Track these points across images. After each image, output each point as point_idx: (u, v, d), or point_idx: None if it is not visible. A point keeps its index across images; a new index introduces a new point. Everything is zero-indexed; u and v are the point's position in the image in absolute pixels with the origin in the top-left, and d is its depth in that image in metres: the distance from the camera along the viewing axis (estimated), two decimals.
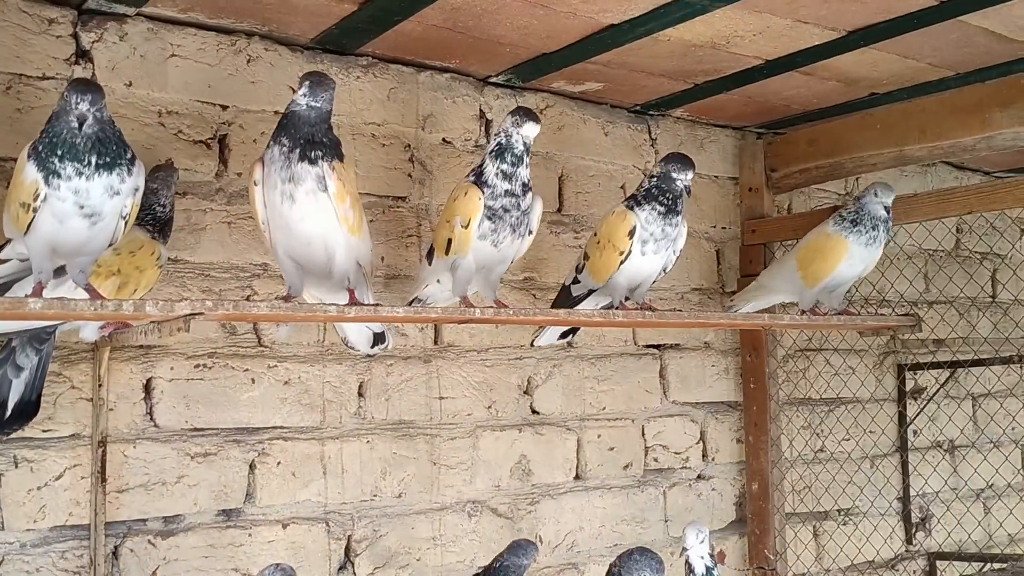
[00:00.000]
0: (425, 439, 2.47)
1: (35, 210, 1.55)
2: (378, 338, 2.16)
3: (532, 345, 2.53)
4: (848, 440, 3.26)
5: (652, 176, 2.17)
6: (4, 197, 1.68)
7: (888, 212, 2.41)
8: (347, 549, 2.32)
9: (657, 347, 2.95)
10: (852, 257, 2.39)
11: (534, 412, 2.68)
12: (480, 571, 2.16)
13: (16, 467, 1.94)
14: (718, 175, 3.08)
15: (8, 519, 1.92)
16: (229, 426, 2.19)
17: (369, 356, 2.35)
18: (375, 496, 2.37)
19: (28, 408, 1.88)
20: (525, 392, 2.67)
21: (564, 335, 2.44)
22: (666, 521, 2.88)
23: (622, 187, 2.85)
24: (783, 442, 3.04)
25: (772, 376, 3.00)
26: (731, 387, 3.08)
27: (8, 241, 1.77)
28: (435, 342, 2.53)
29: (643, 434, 2.88)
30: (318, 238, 1.76)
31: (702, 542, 2.11)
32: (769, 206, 3.02)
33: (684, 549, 2.11)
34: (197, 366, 2.16)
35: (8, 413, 1.87)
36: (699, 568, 2.10)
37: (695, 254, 3.00)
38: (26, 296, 1.56)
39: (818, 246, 2.44)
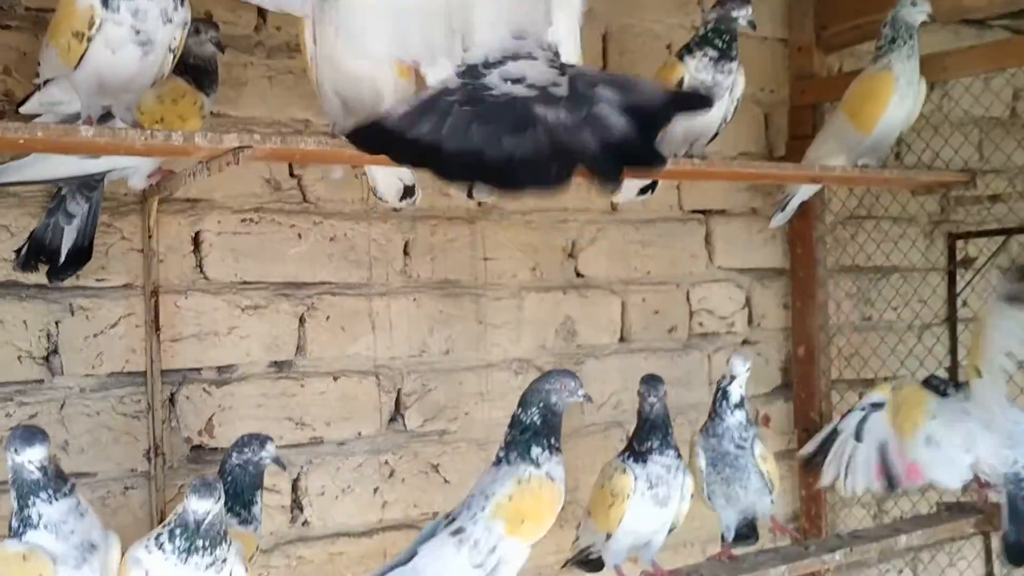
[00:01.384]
0: (471, 298, 2.48)
1: (89, 39, 1.54)
2: (408, 191, 2.11)
3: (612, 204, 2.51)
4: (895, 308, 3.22)
5: (707, 21, 2.11)
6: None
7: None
8: (397, 402, 2.36)
9: (703, 212, 2.92)
10: (900, 89, 2.32)
11: (579, 275, 2.67)
12: None
13: (72, 315, 1.98)
14: (766, 36, 2.98)
15: (67, 364, 1.97)
16: (277, 280, 2.21)
17: (395, 210, 2.31)
18: (423, 352, 2.40)
19: (81, 254, 1.91)
20: (570, 255, 2.66)
21: (643, 191, 2.38)
22: (711, 384, 2.89)
23: (668, 46, 2.78)
24: (830, 308, 3.02)
25: (820, 241, 2.95)
26: (778, 254, 3.04)
27: (32, 93, 1.77)
28: (479, 203, 2.52)
29: (688, 299, 2.87)
30: (367, 77, 1.73)
31: (747, 370, 2.10)
32: (819, 66, 2.93)
33: (732, 377, 2.10)
34: (244, 220, 2.17)
35: (62, 260, 1.90)
36: (735, 397, 2.11)
37: (743, 118, 2.91)
38: (78, 124, 1.57)
39: (864, 88, 2.37)
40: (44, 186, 1.91)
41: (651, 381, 1.99)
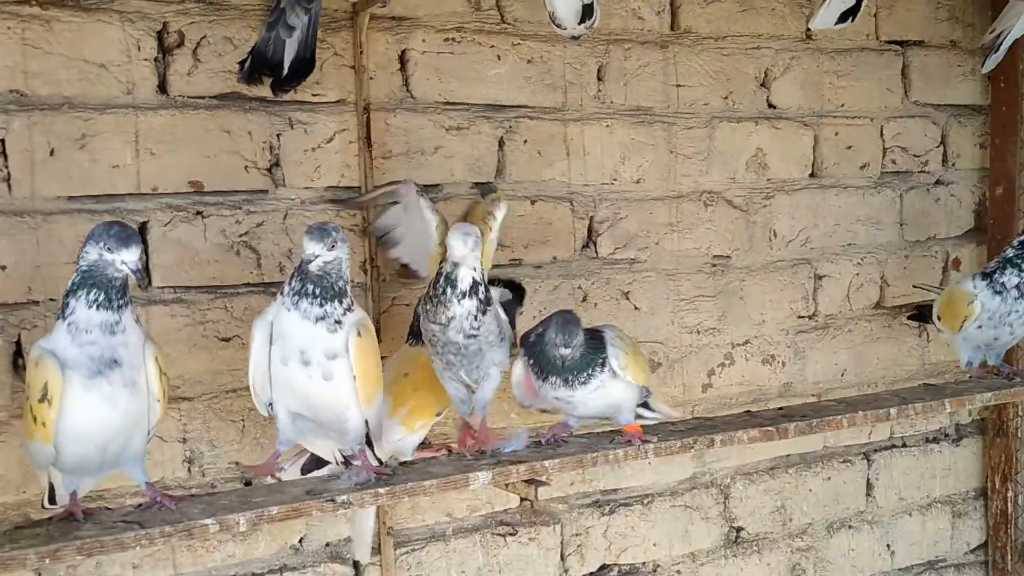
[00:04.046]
0: (663, 127, 2.44)
1: None
2: (586, 11, 2.01)
3: (808, 28, 2.41)
4: None
5: None
6: None
7: None
8: (590, 229, 2.37)
9: (900, 44, 2.77)
10: None
11: (771, 106, 2.59)
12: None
13: (292, 128, 2.04)
14: None
15: (288, 176, 2.04)
16: (479, 102, 2.22)
17: (574, 38, 2.25)
18: (615, 180, 2.39)
19: (303, 66, 1.95)
20: (762, 85, 2.57)
21: (843, 18, 2.19)
22: (901, 224, 2.79)
23: None
24: None
25: None
26: (977, 90, 2.87)
27: None
28: (672, 27, 2.45)
29: (881, 134, 2.75)
30: None
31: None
32: None
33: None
34: (447, 40, 2.18)
35: (285, 71, 1.95)
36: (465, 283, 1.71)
37: None
38: None
39: None
40: None
41: None
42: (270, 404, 1.65)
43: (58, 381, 1.37)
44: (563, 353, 1.72)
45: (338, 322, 1.56)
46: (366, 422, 1.65)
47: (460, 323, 1.69)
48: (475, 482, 1.64)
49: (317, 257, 1.53)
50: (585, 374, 1.76)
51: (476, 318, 1.69)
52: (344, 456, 1.78)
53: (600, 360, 1.77)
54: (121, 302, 1.43)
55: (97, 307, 1.40)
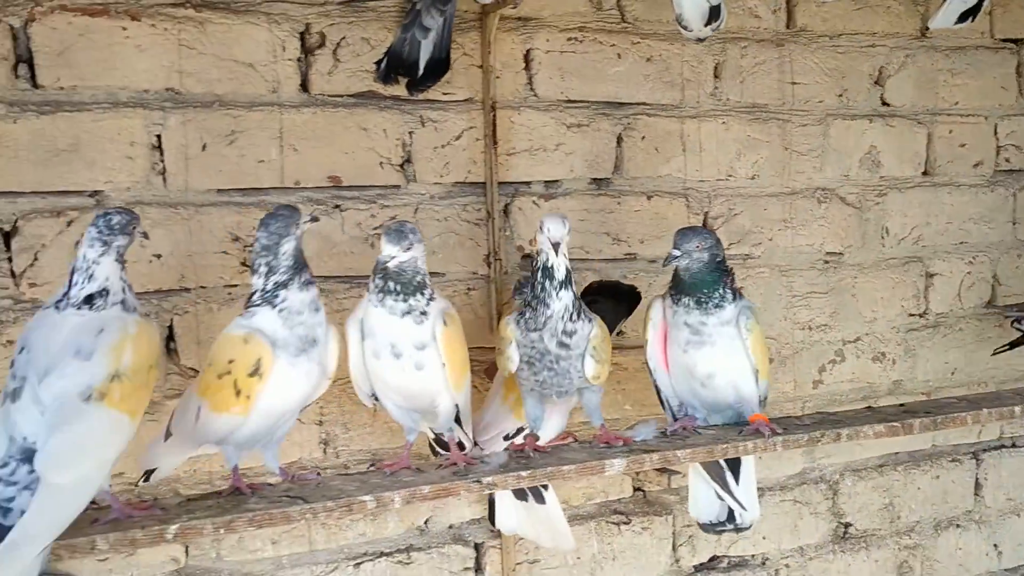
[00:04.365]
0: (778, 124, 2.46)
1: None
2: (713, 12, 2.04)
3: (924, 26, 2.42)
4: None
5: None
6: None
7: None
8: (704, 224, 2.40)
9: (1015, 42, 2.74)
10: None
11: (884, 104, 2.59)
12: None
13: (423, 126, 2.11)
14: None
15: (419, 172, 2.12)
16: (599, 99, 2.27)
17: (700, 40, 2.28)
18: (730, 176, 2.42)
19: (439, 66, 2.02)
20: (876, 82, 2.58)
21: (963, 17, 2.19)
22: (1014, 223, 2.77)
23: None
24: None
25: None
26: None
27: None
28: (787, 25, 2.47)
29: (995, 132, 2.73)
30: None
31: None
32: None
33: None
34: (569, 39, 2.23)
35: (420, 72, 2.02)
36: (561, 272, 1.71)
37: None
38: None
39: None
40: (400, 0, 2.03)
41: None
42: (374, 395, 1.71)
43: (271, 357, 1.47)
44: (674, 254, 1.76)
45: (423, 313, 1.61)
46: (456, 406, 1.71)
47: (555, 324, 1.68)
48: (611, 469, 1.69)
49: (393, 259, 1.58)
50: (717, 295, 1.78)
51: (571, 318, 1.70)
52: (436, 435, 1.83)
53: (731, 296, 1.80)
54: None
55: (302, 287, 1.52)
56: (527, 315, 1.72)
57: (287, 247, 1.52)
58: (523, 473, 1.63)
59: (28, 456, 1.26)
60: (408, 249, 1.59)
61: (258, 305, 1.51)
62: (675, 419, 1.92)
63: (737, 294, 1.83)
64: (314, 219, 1.58)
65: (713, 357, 1.80)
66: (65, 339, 1.36)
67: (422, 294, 1.62)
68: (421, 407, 1.71)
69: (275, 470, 1.63)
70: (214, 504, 1.50)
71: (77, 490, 1.28)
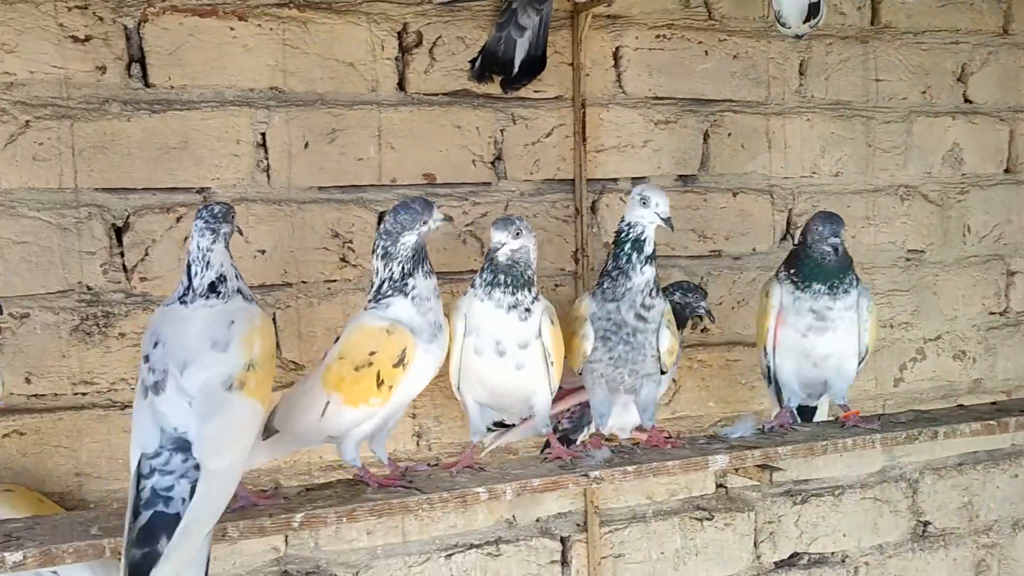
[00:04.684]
0: (861, 121, 2.46)
1: None
2: (812, 10, 2.04)
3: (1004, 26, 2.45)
4: None
5: None
6: None
7: None
8: (788, 221, 2.40)
9: None
10: None
11: (967, 101, 2.57)
12: None
13: (514, 123, 2.14)
14: None
15: (509, 169, 2.14)
16: (686, 96, 2.28)
17: (798, 37, 2.29)
18: (814, 173, 2.42)
19: (535, 64, 2.04)
20: (959, 79, 2.56)
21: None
22: None
23: None
24: None
25: None
26: None
27: None
28: (872, 22, 2.46)
29: None
30: None
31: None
32: None
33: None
34: (658, 36, 2.25)
35: (516, 70, 2.04)
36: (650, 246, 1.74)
37: None
38: None
39: None
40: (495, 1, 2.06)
41: None
42: (458, 388, 1.73)
43: (414, 346, 1.51)
44: (834, 242, 1.78)
45: (528, 310, 1.63)
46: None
47: (635, 296, 1.69)
48: (714, 464, 1.70)
49: (504, 245, 1.59)
50: (847, 281, 1.82)
51: (651, 294, 1.71)
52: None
53: (855, 280, 1.85)
54: None
55: (426, 275, 1.55)
56: (605, 285, 1.73)
57: (408, 240, 1.54)
58: (629, 468, 1.65)
59: (180, 446, 1.30)
60: (517, 236, 1.60)
61: (390, 295, 1.54)
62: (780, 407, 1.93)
63: (857, 278, 1.86)
64: (447, 219, 1.60)
65: (835, 340, 1.84)
66: (199, 331, 1.40)
67: (529, 291, 1.63)
68: (509, 406, 1.72)
69: (384, 460, 1.66)
70: (333, 494, 1.54)
71: (230, 475, 1.31)
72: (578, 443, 1.91)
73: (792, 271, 1.87)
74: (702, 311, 2.03)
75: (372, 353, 1.50)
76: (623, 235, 1.72)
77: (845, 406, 1.93)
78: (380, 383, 1.49)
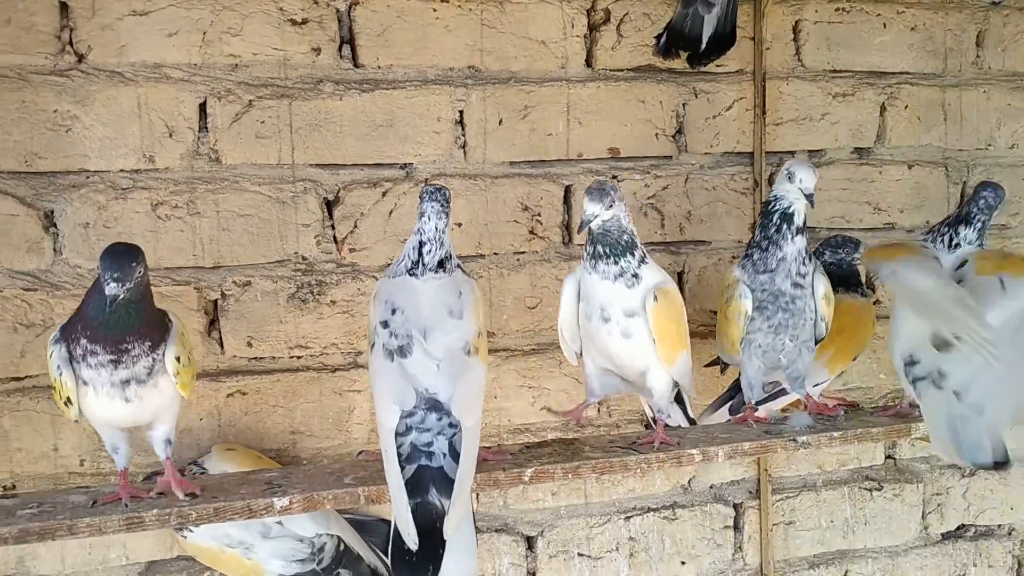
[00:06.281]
0: None
1: None
2: None
3: None
4: None
5: None
6: None
7: None
8: (962, 194, 2.39)
9: None
10: None
11: None
12: None
13: (696, 97, 2.18)
14: None
15: (690, 143, 2.18)
16: (863, 69, 2.28)
17: (994, 3, 2.29)
18: (989, 146, 2.40)
19: (723, 40, 2.07)
20: None
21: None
22: None
23: None
24: None
25: None
26: None
27: None
28: None
29: None
30: None
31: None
32: None
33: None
34: (837, 9, 2.25)
35: (703, 46, 2.08)
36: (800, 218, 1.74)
37: None
38: None
39: None
40: None
41: None
42: (579, 352, 1.72)
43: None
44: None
45: (635, 275, 1.59)
46: (675, 382, 1.69)
47: (789, 266, 1.69)
48: (916, 432, 1.73)
49: (596, 216, 1.56)
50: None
51: (804, 263, 1.71)
52: (650, 417, 1.84)
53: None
54: None
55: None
56: (755, 257, 1.73)
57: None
58: (835, 434, 1.69)
59: (432, 405, 1.40)
60: (610, 207, 1.56)
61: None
62: None
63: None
64: None
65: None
66: (433, 301, 1.49)
67: (632, 255, 1.59)
68: (631, 378, 1.68)
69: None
70: (553, 451, 1.63)
71: (477, 432, 1.41)
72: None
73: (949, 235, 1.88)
74: (857, 263, 2.02)
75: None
76: (771, 206, 1.74)
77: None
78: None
